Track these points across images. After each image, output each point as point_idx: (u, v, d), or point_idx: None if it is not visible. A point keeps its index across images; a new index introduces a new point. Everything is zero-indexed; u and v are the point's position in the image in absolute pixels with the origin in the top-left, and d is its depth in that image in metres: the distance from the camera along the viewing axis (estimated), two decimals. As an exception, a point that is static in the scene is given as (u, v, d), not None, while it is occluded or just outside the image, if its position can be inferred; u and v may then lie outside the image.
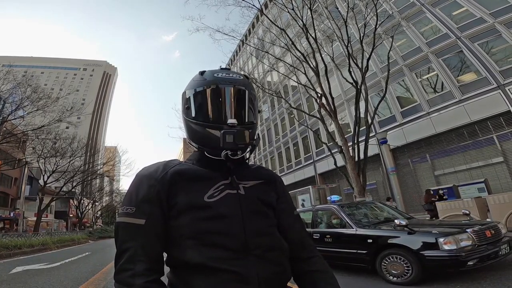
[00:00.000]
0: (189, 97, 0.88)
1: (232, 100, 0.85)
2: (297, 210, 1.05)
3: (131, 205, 0.79)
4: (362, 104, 12.38)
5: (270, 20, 14.68)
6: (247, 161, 0.96)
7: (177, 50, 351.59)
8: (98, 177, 40.22)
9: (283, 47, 15.45)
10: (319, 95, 12.62)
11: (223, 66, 0.95)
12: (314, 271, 0.88)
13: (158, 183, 0.81)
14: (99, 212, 53.03)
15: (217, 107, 0.84)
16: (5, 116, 18.65)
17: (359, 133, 11.60)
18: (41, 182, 28.78)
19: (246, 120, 0.87)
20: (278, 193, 0.96)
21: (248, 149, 0.85)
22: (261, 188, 0.91)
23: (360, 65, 12.07)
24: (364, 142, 11.31)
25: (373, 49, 11.87)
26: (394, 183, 11.37)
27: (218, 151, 0.82)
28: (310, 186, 16.12)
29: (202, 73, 0.90)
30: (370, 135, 11.71)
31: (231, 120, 0.82)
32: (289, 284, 0.86)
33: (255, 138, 0.89)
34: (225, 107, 0.84)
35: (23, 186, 27.13)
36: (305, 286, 0.88)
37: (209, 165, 0.87)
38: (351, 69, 11.88)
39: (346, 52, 12.07)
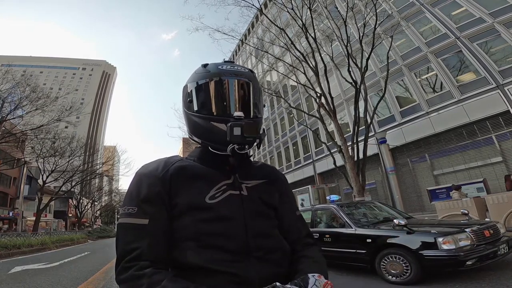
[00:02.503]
0: (191, 90, 0.85)
1: (237, 92, 0.83)
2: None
3: (132, 205, 0.77)
4: (361, 104, 12.39)
5: (270, 20, 14.67)
6: (250, 157, 0.94)
7: (176, 49, 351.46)
8: (97, 176, 40.17)
9: (282, 47, 15.42)
10: (318, 94, 12.62)
11: None
12: (301, 256, 0.87)
13: (159, 181, 0.79)
14: (98, 212, 52.95)
15: (222, 100, 0.82)
16: (4, 115, 18.59)
17: (358, 132, 11.60)
18: (40, 181, 28.72)
19: (252, 114, 0.84)
20: (281, 192, 0.95)
21: (255, 144, 0.82)
22: (264, 188, 0.89)
23: (359, 65, 12.08)
24: (363, 142, 11.31)
25: (372, 49, 11.87)
26: (393, 182, 11.39)
27: (223, 146, 0.79)
28: (309, 186, 16.11)
29: (205, 65, 0.87)
30: (369, 134, 11.71)
31: (238, 113, 0.80)
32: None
33: (261, 132, 0.86)
34: (231, 100, 0.82)
35: (22, 186, 27.13)
36: (291, 269, 0.85)
37: (211, 162, 0.86)
38: (350, 69, 11.88)
39: (346, 52, 12.06)
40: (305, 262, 0.83)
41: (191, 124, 0.87)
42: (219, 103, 0.82)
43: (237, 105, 0.82)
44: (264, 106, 0.94)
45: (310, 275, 0.69)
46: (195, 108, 0.84)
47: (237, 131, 0.77)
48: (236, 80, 0.83)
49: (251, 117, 0.83)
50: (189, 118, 0.87)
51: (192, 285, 0.66)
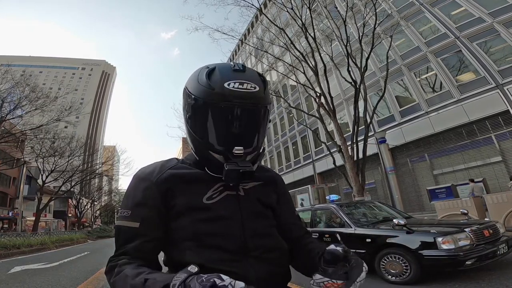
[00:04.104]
0: (191, 103, 0.78)
1: (241, 123, 0.76)
2: (296, 209, 1.05)
3: (127, 209, 0.79)
4: (361, 104, 12.40)
5: (269, 20, 14.68)
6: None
7: (176, 48, 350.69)
8: (96, 176, 40.15)
9: (282, 47, 15.44)
10: (318, 94, 12.63)
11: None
12: (306, 243, 0.92)
13: (154, 185, 0.80)
14: (98, 212, 52.96)
15: (221, 131, 0.77)
16: (3, 115, 18.57)
17: (358, 132, 11.61)
18: (39, 181, 28.70)
19: (254, 145, 0.81)
20: (278, 194, 0.96)
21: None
22: (261, 189, 0.90)
23: (359, 65, 12.08)
24: (363, 142, 11.32)
25: (372, 49, 11.87)
26: (393, 182, 11.40)
27: (219, 173, 0.78)
28: (309, 186, 16.12)
29: (209, 74, 0.76)
30: (369, 134, 11.72)
31: (237, 149, 0.75)
32: (289, 284, 0.86)
33: (260, 151, 0.84)
34: (232, 132, 0.76)
35: (22, 186, 27.04)
36: (298, 256, 0.91)
37: (207, 166, 0.86)
38: (350, 69, 11.89)
39: (345, 52, 12.07)
40: (312, 244, 0.90)
41: (190, 139, 0.84)
42: (217, 133, 0.77)
43: (237, 139, 0.76)
44: (270, 121, 0.87)
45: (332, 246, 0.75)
46: (194, 128, 0.80)
47: (233, 174, 0.75)
48: (240, 108, 0.75)
49: (252, 148, 0.80)
50: (189, 132, 0.84)
51: (147, 270, 0.66)
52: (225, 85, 0.73)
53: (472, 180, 10.52)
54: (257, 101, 0.77)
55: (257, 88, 0.76)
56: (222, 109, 0.74)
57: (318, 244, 0.88)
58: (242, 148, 0.76)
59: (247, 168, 0.76)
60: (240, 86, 0.74)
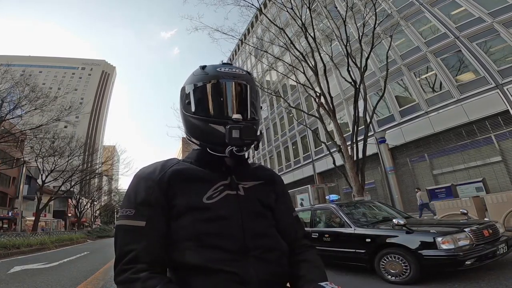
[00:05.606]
0: (189, 92, 0.85)
1: (235, 94, 0.83)
2: (296, 209, 1.04)
3: (130, 208, 0.78)
4: (360, 104, 12.39)
5: (269, 20, 14.66)
6: (247, 159, 0.95)
7: (176, 47, 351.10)
8: (96, 176, 40.12)
9: (282, 47, 15.43)
10: (318, 94, 12.63)
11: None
12: (301, 260, 0.88)
13: (156, 184, 0.80)
14: (97, 212, 52.94)
15: (220, 102, 0.82)
16: (3, 115, 18.55)
17: (357, 132, 11.61)
18: (39, 181, 28.67)
19: (250, 116, 0.85)
20: (278, 194, 0.96)
21: (253, 145, 0.84)
22: (261, 189, 0.90)
23: (359, 65, 12.08)
24: (362, 141, 11.32)
25: (372, 49, 11.87)
26: (393, 182, 11.41)
27: (221, 148, 0.81)
28: (309, 185, 16.10)
29: (203, 67, 0.87)
30: (369, 134, 11.72)
31: (236, 115, 0.81)
32: (288, 284, 0.86)
33: (259, 134, 0.87)
34: (229, 102, 0.83)
35: (21, 186, 26.98)
36: (291, 273, 0.87)
37: (208, 164, 0.86)
38: (350, 69, 11.88)
39: (345, 52, 12.07)
40: (306, 267, 0.85)
41: (189, 125, 0.87)
42: (217, 105, 0.82)
43: (235, 107, 0.83)
44: (262, 108, 0.94)
45: (323, 284, 0.73)
46: (193, 109, 0.84)
47: (235, 133, 0.78)
48: (234, 82, 0.83)
49: (249, 119, 0.84)
50: (187, 120, 0.87)
51: None
52: (217, 69, 0.85)
53: (418, 189, 11.18)
54: (246, 80, 0.86)
55: (244, 73, 0.87)
56: (216, 84, 0.83)
57: (311, 270, 0.85)
58: (240, 115, 0.82)
59: (248, 124, 0.81)
60: (230, 70, 0.85)
